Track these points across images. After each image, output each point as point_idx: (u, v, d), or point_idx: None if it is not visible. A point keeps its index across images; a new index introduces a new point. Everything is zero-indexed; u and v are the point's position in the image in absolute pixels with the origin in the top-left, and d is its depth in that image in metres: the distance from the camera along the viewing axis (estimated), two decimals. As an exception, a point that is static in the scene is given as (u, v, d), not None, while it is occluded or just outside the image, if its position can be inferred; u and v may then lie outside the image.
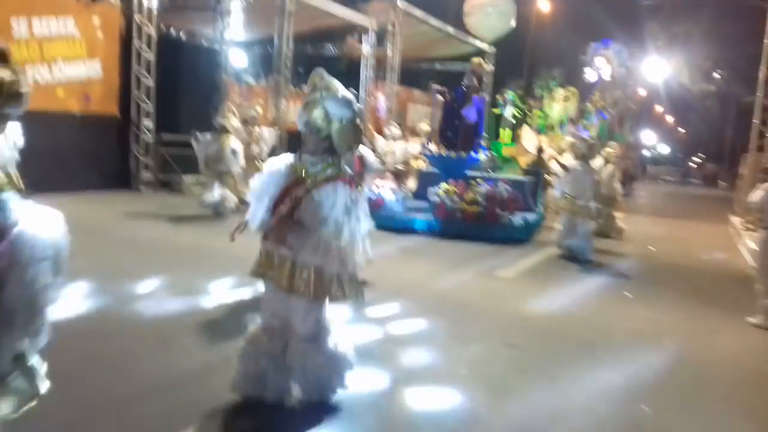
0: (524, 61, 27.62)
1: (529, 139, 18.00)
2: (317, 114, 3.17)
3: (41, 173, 10.51)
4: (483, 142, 10.04)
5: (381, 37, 19.68)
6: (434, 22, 20.87)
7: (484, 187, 9.25)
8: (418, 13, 19.85)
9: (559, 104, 20.97)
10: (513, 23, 23.94)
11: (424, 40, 21.89)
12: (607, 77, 23.65)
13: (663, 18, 38.86)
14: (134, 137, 12.21)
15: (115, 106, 11.99)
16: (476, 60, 10.41)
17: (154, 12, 12.30)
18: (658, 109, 50.04)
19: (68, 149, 11.01)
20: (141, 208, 10.13)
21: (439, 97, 11.21)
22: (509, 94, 21.63)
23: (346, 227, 3.14)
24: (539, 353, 4.74)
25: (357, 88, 18.48)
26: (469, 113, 9.61)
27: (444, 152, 10.11)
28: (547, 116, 21.18)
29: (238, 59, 19.35)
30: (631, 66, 26.97)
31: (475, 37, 23.97)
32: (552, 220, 9.79)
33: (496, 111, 22.07)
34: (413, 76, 23.94)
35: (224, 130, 9.49)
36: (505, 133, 20.99)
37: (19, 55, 10.32)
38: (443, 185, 9.41)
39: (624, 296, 6.81)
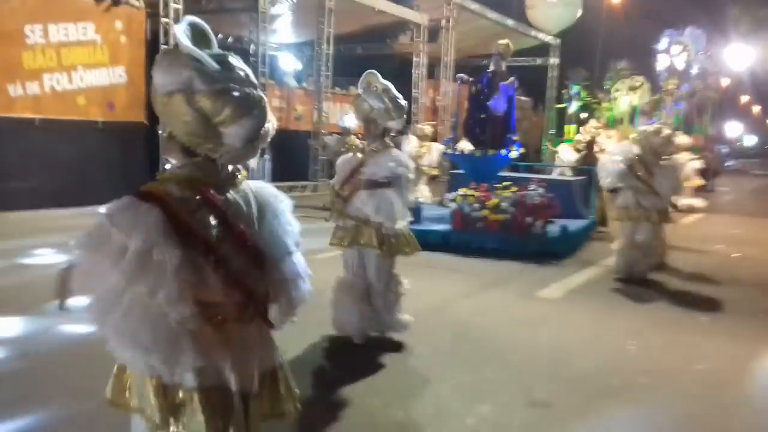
0: (592, 52, 25.94)
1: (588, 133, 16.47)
2: None
3: (63, 185, 10.15)
4: (515, 138, 8.53)
5: (435, 33, 18.67)
6: (492, 15, 19.72)
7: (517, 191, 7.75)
8: (474, 6, 18.78)
9: (628, 95, 19.38)
10: (579, 13, 22.43)
11: (482, 35, 20.73)
12: (680, 65, 21.84)
13: (745, 1, 36.26)
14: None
15: (142, 113, 11.35)
16: (502, 42, 9.13)
17: (181, 13, 11.61)
18: (744, 98, 46.90)
19: (91, 159, 10.42)
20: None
21: (465, 87, 9.89)
22: (574, 88, 20.33)
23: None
24: (571, 414, 3.53)
25: (409, 88, 17.53)
26: (497, 104, 8.27)
27: (468, 150, 8.69)
28: (615, 109, 19.69)
29: (286, 62, 18.78)
30: (711, 53, 24.96)
31: (539, 30, 22.60)
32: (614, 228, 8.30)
33: (561, 106, 20.66)
34: (473, 73, 22.66)
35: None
36: (571, 129, 19.65)
37: (33, 63, 9.83)
38: (461, 190, 8.01)
39: (697, 324, 5.43)
